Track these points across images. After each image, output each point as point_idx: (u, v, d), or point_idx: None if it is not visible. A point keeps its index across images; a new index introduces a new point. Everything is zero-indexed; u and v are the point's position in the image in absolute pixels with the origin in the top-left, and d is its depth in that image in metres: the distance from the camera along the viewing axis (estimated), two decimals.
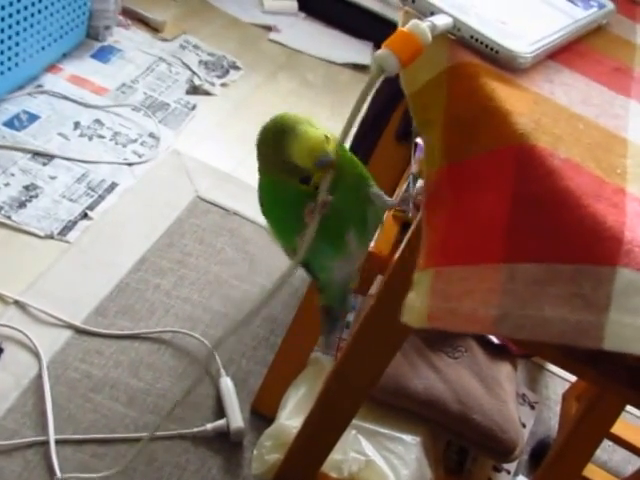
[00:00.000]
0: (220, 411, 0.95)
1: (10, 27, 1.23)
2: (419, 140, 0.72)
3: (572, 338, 0.33)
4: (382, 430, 0.83)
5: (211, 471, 0.90)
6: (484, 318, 0.36)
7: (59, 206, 1.16)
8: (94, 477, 0.83)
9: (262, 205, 0.52)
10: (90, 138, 1.31)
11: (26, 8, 1.25)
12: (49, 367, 0.94)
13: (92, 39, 1.52)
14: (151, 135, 1.37)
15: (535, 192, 0.36)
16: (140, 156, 1.31)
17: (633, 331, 0.32)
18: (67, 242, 1.11)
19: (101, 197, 1.21)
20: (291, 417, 0.83)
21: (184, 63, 1.59)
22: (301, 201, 0.48)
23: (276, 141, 0.46)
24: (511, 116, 0.38)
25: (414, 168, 0.72)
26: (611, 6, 0.53)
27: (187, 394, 0.67)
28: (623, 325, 0.32)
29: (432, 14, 0.44)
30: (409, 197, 0.72)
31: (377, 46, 1.81)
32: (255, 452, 0.84)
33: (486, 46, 0.43)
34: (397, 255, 0.52)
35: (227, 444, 0.93)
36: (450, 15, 0.43)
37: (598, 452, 0.88)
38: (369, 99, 0.78)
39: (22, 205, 1.14)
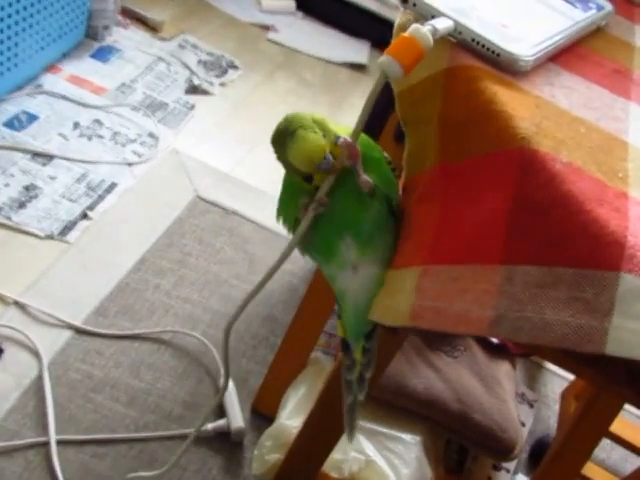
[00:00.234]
0: (220, 411, 0.95)
1: (9, 27, 1.23)
2: None
3: (573, 342, 0.33)
4: (382, 430, 0.83)
5: (212, 471, 0.90)
6: (479, 319, 0.36)
7: (59, 206, 1.16)
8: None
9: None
10: (89, 138, 1.31)
11: (25, 8, 1.25)
12: (50, 368, 0.94)
13: (91, 39, 1.52)
14: (150, 135, 1.37)
15: (537, 196, 0.36)
16: (139, 156, 1.31)
17: (636, 336, 0.32)
18: (67, 242, 1.11)
19: (101, 197, 1.21)
20: (291, 417, 0.84)
21: (183, 63, 1.59)
22: (302, 195, 0.48)
23: (280, 143, 0.46)
24: (513, 120, 0.38)
25: None
26: (610, 7, 0.54)
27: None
28: (626, 330, 0.32)
29: (433, 17, 0.44)
30: None
31: (375, 45, 1.81)
32: (255, 452, 0.84)
33: (487, 49, 0.43)
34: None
35: (227, 444, 0.93)
36: (451, 18, 0.44)
37: (596, 450, 0.89)
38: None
39: (22, 206, 1.14)
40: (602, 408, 0.85)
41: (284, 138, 0.45)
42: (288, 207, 0.51)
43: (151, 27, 1.65)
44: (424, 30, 0.41)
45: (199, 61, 1.61)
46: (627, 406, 1.00)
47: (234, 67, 1.65)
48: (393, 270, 0.45)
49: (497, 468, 0.96)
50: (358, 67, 1.80)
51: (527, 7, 0.50)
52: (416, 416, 0.85)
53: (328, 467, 0.78)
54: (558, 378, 1.19)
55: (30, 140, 1.26)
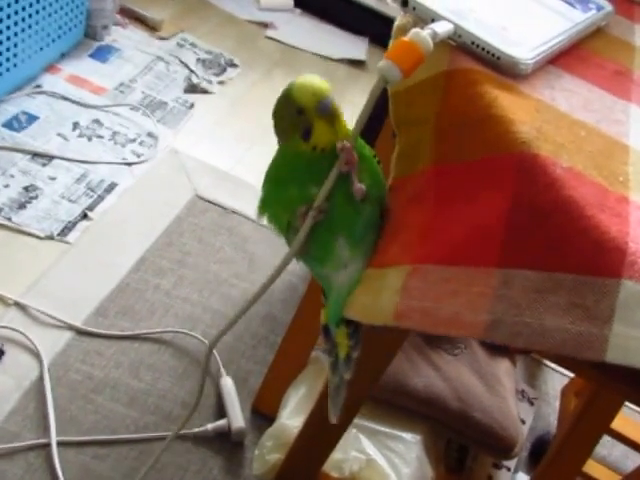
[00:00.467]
0: (221, 411, 0.95)
1: (8, 28, 1.23)
2: None
3: (573, 349, 0.33)
4: (383, 429, 0.83)
5: (212, 471, 0.90)
6: (473, 322, 0.35)
7: (59, 207, 1.16)
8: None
9: (264, 180, 0.51)
10: (89, 138, 1.31)
11: (24, 9, 1.25)
12: (50, 369, 0.94)
13: (90, 39, 1.52)
14: (150, 134, 1.37)
15: (537, 201, 0.36)
16: (139, 156, 1.31)
17: (637, 344, 0.32)
18: (67, 243, 1.11)
19: (100, 197, 1.21)
20: (292, 417, 0.84)
21: (182, 61, 1.58)
22: (298, 164, 0.47)
23: (287, 90, 0.47)
24: (513, 124, 0.38)
25: None
26: (609, 8, 0.53)
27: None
28: (627, 338, 0.32)
29: (433, 20, 0.44)
30: None
31: (373, 41, 1.80)
32: (256, 452, 0.84)
33: (487, 52, 0.43)
34: None
35: (228, 444, 0.93)
36: (451, 21, 0.43)
37: (597, 447, 0.89)
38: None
39: (22, 206, 1.14)
40: (603, 405, 0.85)
41: (290, 85, 0.47)
42: (278, 206, 0.50)
43: (150, 26, 1.65)
44: (424, 34, 0.41)
45: (198, 60, 1.61)
46: (628, 402, 1.00)
47: (233, 65, 1.64)
48: (374, 269, 0.45)
49: (498, 466, 0.96)
50: (357, 63, 1.80)
51: (527, 9, 0.50)
52: (416, 415, 0.85)
53: (329, 467, 0.78)
54: (558, 375, 1.19)
55: (30, 141, 1.26)
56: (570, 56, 0.48)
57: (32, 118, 1.30)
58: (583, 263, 0.34)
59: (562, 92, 0.44)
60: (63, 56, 1.45)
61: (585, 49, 0.50)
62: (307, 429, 0.70)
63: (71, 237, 1.13)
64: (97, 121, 1.35)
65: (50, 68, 1.42)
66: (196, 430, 0.92)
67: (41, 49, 1.35)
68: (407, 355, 0.89)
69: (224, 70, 1.62)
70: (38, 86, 1.37)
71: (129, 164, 1.29)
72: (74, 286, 1.06)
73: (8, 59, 1.26)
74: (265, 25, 1.83)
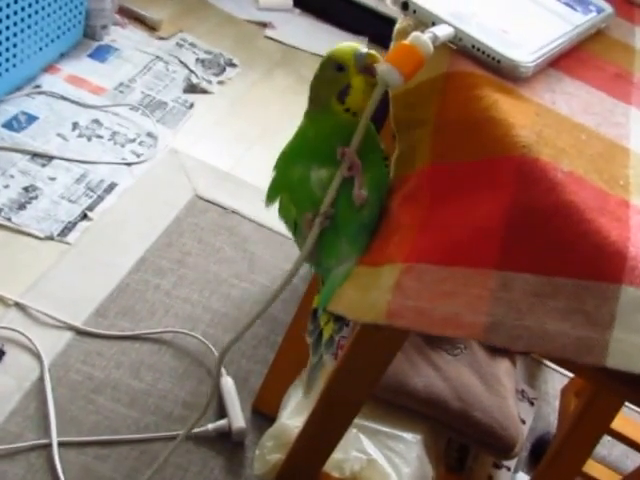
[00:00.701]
0: (221, 411, 0.95)
1: (8, 28, 1.23)
2: None
3: (573, 354, 0.33)
4: (383, 429, 0.83)
5: (213, 471, 0.91)
6: (472, 324, 0.35)
7: (59, 207, 1.16)
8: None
9: (278, 160, 0.51)
10: (89, 138, 1.31)
11: (23, 9, 1.25)
12: (50, 369, 0.94)
13: (89, 38, 1.52)
14: (149, 134, 1.37)
15: (537, 205, 0.36)
16: (138, 156, 1.31)
17: (637, 350, 0.32)
18: (67, 243, 1.12)
19: (100, 197, 1.21)
20: (292, 417, 0.84)
21: (181, 61, 1.58)
22: (325, 129, 0.47)
23: (329, 52, 0.48)
24: (513, 128, 0.38)
25: None
26: (610, 10, 0.53)
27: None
28: (627, 343, 0.32)
29: (433, 24, 0.44)
30: None
31: (372, 41, 1.79)
32: (257, 452, 0.84)
33: (488, 55, 0.43)
34: None
35: (229, 444, 0.93)
36: (451, 25, 0.43)
37: (597, 447, 0.89)
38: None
39: (22, 207, 1.14)
40: (603, 405, 0.85)
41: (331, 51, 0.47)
42: (288, 192, 0.51)
43: (149, 26, 1.65)
44: (424, 38, 0.41)
45: (197, 60, 1.61)
46: (628, 403, 1.00)
47: (232, 65, 1.64)
48: (365, 266, 0.45)
49: (498, 466, 0.96)
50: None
51: (527, 12, 0.50)
52: (417, 415, 0.86)
53: (329, 467, 0.78)
54: (558, 375, 1.19)
55: (29, 141, 1.26)
56: (570, 59, 0.48)
57: (31, 118, 1.30)
58: (583, 268, 0.34)
59: (562, 95, 0.44)
60: (62, 56, 1.45)
61: (585, 51, 0.50)
62: (308, 429, 0.70)
63: (71, 237, 1.13)
64: (96, 121, 1.35)
65: (49, 68, 1.42)
66: (197, 430, 0.92)
67: (40, 49, 1.35)
68: (407, 355, 0.89)
69: (223, 70, 1.62)
70: (37, 86, 1.37)
71: (129, 164, 1.29)
72: (74, 286, 1.06)
73: (7, 59, 1.26)
74: (264, 25, 1.83)
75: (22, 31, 1.27)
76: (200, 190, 1.29)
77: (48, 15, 1.33)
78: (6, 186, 1.16)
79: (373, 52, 0.46)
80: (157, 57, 1.57)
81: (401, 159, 0.47)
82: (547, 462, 0.89)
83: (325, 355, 0.53)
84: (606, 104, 0.44)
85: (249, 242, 1.22)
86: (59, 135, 1.29)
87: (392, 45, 0.47)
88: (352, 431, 0.81)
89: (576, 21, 0.50)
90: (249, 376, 1.02)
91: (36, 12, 1.29)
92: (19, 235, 1.10)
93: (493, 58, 0.43)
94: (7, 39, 1.24)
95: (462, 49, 0.44)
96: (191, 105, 1.48)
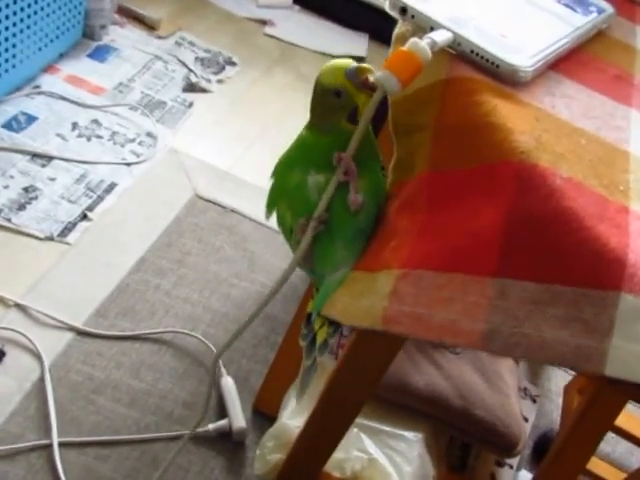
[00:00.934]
0: (222, 411, 0.95)
1: (7, 29, 1.23)
2: None
3: (572, 362, 0.33)
4: (384, 428, 0.83)
5: (214, 472, 0.90)
6: (470, 331, 0.35)
7: (58, 207, 1.16)
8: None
9: (275, 169, 0.51)
10: (88, 139, 1.31)
11: (22, 10, 1.25)
12: (51, 370, 0.94)
13: (88, 38, 1.52)
14: (149, 134, 1.36)
15: (536, 212, 0.35)
16: (138, 156, 1.31)
17: (636, 358, 0.32)
18: (67, 244, 1.11)
19: (100, 198, 1.21)
20: (293, 416, 0.83)
21: (180, 60, 1.58)
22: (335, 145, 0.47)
23: (316, 81, 0.47)
24: (512, 134, 0.37)
25: None
26: (610, 10, 0.53)
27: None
28: (626, 352, 0.32)
29: (432, 29, 0.43)
30: None
31: (373, 37, 1.79)
32: (257, 452, 0.84)
33: (487, 60, 0.43)
34: None
35: (229, 444, 0.93)
36: (450, 30, 0.43)
37: (601, 444, 0.88)
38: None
39: (22, 207, 1.14)
40: (606, 402, 0.84)
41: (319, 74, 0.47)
42: (285, 198, 0.50)
43: (148, 25, 1.64)
44: (422, 44, 0.40)
45: (196, 58, 1.61)
46: (632, 401, 0.99)
47: (231, 63, 1.64)
48: (361, 272, 0.45)
49: (500, 464, 0.95)
50: (356, 60, 1.78)
51: (527, 14, 0.49)
52: (418, 413, 0.85)
53: (330, 466, 0.78)
54: (561, 372, 1.19)
55: (29, 141, 1.26)
56: (570, 61, 0.47)
57: (31, 119, 1.30)
58: (582, 275, 0.33)
59: (562, 99, 0.43)
60: (61, 56, 1.45)
61: (586, 53, 0.49)
62: (308, 429, 0.70)
63: (71, 238, 1.12)
64: (96, 121, 1.35)
65: (49, 68, 1.41)
66: (197, 430, 0.92)
67: (39, 49, 1.35)
68: (409, 354, 0.89)
69: (223, 68, 1.61)
70: (37, 86, 1.37)
71: (128, 164, 1.28)
72: (74, 287, 1.06)
73: (7, 60, 1.26)
74: (264, 22, 1.83)
75: (21, 31, 1.27)
76: (200, 189, 1.28)
77: (47, 15, 1.33)
78: (6, 187, 1.16)
79: (362, 65, 0.45)
80: (156, 56, 1.57)
81: (399, 165, 0.47)
82: (550, 460, 0.89)
83: (319, 359, 0.53)
84: (606, 107, 0.44)
85: (249, 241, 1.22)
86: (59, 135, 1.29)
87: (391, 51, 0.46)
88: (353, 430, 0.81)
89: (576, 23, 0.50)
90: (249, 376, 1.01)
91: (35, 12, 1.29)
92: (19, 236, 1.10)
93: (492, 63, 0.43)
94: (6, 39, 1.24)
95: (461, 54, 0.44)
96: (190, 104, 1.48)
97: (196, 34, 1.68)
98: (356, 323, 0.42)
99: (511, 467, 0.96)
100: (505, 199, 0.36)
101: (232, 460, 0.92)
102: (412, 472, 0.79)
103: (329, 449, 0.70)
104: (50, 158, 1.24)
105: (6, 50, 1.25)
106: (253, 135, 1.44)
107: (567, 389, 1.11)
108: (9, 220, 1.11)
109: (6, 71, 1.27)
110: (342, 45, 1.82)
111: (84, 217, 1.16)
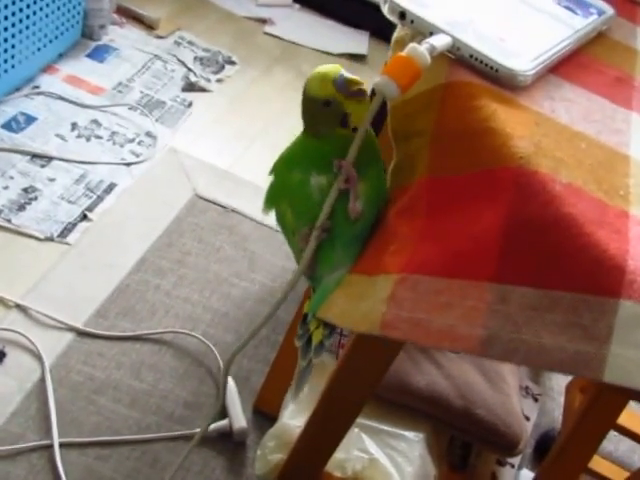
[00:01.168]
0: (222, 411, 0.95)
1: (6, 29, 1.23)
2: None
3: (570, 368, 0.32)
4: (385, 427, 0.83)
5: (215, 472, 0.90)
6: (468, 337, 0.35)
7: (58, 208, 1.16)
8: None
9: (275, 168, 0.51)
10: (88, 139, 1.30)
11: (21, 10, 1.25)
12: (52, 370, 0.94)
13: (87, 38, 1.52)
14: (148, 134, 1.36)
15: (535, 217, 0.35)
16: (138, 156, 1.31)
17: (635, 365, 0.32)
18: (67, 244, 1.11)
19: (100, 198, 1.21)
20: (294, 416, 0.83)
21: (179, 60, 1.58)
22: (333, 150, 0.47)
23: (304, 92, 0.47)
24: (511, 139, 0.37)
25: None
26: (611, 12, 0.52)
27: None
28: (626, 359, 0.32)
29: (431, 34, 0.43)
30: None
31: (374, 35, 1.79)
32: (258, 452, 0.84)
33: (486, 65, 0.43)
34: None
35: (230, 444, 0.93)
36: (449, 34, 0.43)
37: (603, 442, 0.88)
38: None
39: (21, 208, 1.14)
40: (609, 401, 0.84)
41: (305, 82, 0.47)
42: (285, 199, 0.50)
43: (147, 25, 1.64)
44: (421, 49, 0.40)
45: (195, 58, 1.60)
46: (633, 401, 0.99)
47: (231, 62, 1.64)
48: (358, 275, 0.45)
49: (502, 463, 0.95)
50: (358, 58, 1.79)
51: (526, 17, 0.49)
52: (419, 413, 0.85)
53: (331, 466, 0.77)
54: None
55: (28, 142, 1.25)
56: (570, 63, 0.47)
57: (30, 119, 1.30)
58: (581, 281, 0.33)
59: (562, 102, 0.43)
60: (61, 56, 1.45)
61: (586, 55, 0.49)
62: (309, 429, 0.70)
63: (71, 238, 1.12)
64: (95, 121, 1.35)
65: (48, 69, 1.41)
66: (198, 430, 0.92)
67: (39, 50, 1.35)
68: (409, 353, 0.88)
69: (222, 68, 1.61)
70: (36, 87, 1.36)
71: (128, 164, 1.28)
72: (74, 287, 1.05)
73: (6, 60, 1.26)
74: (263, 21, 1.82)
75: (20, 32, 1.27)
76: (200, 189, 1.28)
77: (46, 15, 1.33)
78: (6, 187, 1.16)
79: (352, 78, 0.45)
80: (155, 56, 1.56)
81: (398, 169, 0.47)
82: (552, 458, 0.89)
83: (315, 359, 0.53)
84: (607, 110, 0.44)
85: (249, 241, 1.22)
86: (58, 136, 1.29)
87: (390, 55, 0.46)
88: (354, 430, 0.81)
89: (577, 25, 0.49)
90: (250, 376, 1.01)
91: (34, 13, 1.29)
92: (19, 236, 1.10)
93: (491, 67, 0.43)
94: (5, 40, 1.24)
95: (460, 58, 0.43)
96: (190, 104, 1.47)
97: (195, 33, 1.68)
98: (354, 327, 0.42)
99: (512, 466, 0.96)
100: (504, 205, 0.36)
101: (233, 460, 0.92)
102: (413, 472, 0.79)
103: (330, 449, 0.70)
104: (50, 158, 1.24)
105: (5, 50, 1.25)
106: (253, 134, 1.44)
107: (569, 388, 1.11)
108: (9, 221, 1.11)
109: (5, 71, 1.27)
110: (342, 43, 1.82)
111: (84, 217, 1.16)
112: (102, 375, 0.96)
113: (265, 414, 0.95)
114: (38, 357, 0.95)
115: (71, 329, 1.00)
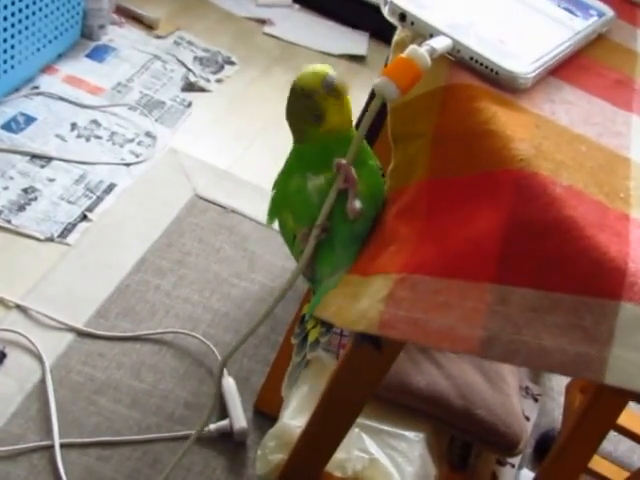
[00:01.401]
0: (223, 411, 0.95)
1: (5, 30, 1.23)
2: None
3: (571, 369, 0.32)
4: (385, 427, 0.83)
5: (215, 472, 0.90)
6: (468, 338, 0.35)
7: (58, 208, 1.16)
8: None
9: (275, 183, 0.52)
10: (87, 139, 1.30)
11: (21, 10, 1.25)
12: (52, 371, 0.94)
13: (87, 39, 1.52)
14: (148, 134, 1.36)
15: (536, 219, 0.35)
16: (137, 156, 1.31)
17: (636, 368, 0.32)
18: (67, 244, 1.11)
19: (100, 198, 1.21)
20: (294, 416, 0.83)
21: (179, 60, 1.58)
22: (312, 154, 0.48)
23: (292, 83, 0.47)
24: (512, 141, 0.37)
25: None
26: (611, 14, 0.52)
27: None
28: (626, 361, 0.32)
29: (431, 36, 0.43)
30: None
31: (374, 36, 1.79)
32: (259, 452, 0.84)
33: (486, 67, 0.43)
34: None
35: (231, 444, 0.93)
36: (449, 37, 0.43)
37: (603, 442, 0.88)
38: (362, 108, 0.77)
39: (21, 208, 1.14)
40: (609, 401, 0.84)
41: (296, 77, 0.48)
42: (286, 207, 0.50)
43: (146, 25, 1.64)
44: (421, 51, 0.40)
45: (195, 58, 1.60)
46: (632, 402, 0.99)
47: (230, 63, 1.64)
48: (356, 275, 0.45)
49: (502, 463, 0.95)
50: (357, 59, 1.79)
51: (526, 19, 0.49)
52: (419, 413, 0.85)
53: (331, 466, 0.77)
54: None
55: (28, 142, 1.25)
56: (570, 65, 0.47)
57: (30, 119, 1.30)
58: (582, 284, 0.33)
59: (562, 105, 0.43)
60: (60, 57, 1.45)
61: (586, 57, 0.49)
62: (310, 429, 0.70)
63: (71, 239, 1.12)
64: (95, 121, 1.35)
65: (47, 69, 1.41)
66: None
67: (38, 50, 1.35)
68: (409, 353, 0.88)
69: (222, 68, 1.61)
70: (35, 87, 1.36)
71: (127, 164, 1.28)
72: (75, 288, 1.05)
73: (5, 61, 1.26)
74: (263, 22, 1.82)
75: (20, 32, 1.27)
76: (199, 189, 1.28)
77: (45, 16, 1.33)
78: (5, 188, 1.16)
79: (342, 85, 0.46)
80: (155, 56, 1.56)
81: (397, 171, 0.47)
82: (552, 458, 0.89)
83: (309, 355, 0.53)
84: (607, 113, 0.44)
85: (249, 241, 1.22)
86: (58, 136, 1.29)
87: (390, 57, 0.46)
88: (354, 430, 0.81)
89: (577, 27, 0.49)
90: (250, 376, 1.01)
91: (33, 13, 1.29)
92: (19, 237, 1.10)
93: (491, 70, 0.43)
94: (5, 40, 1.24)
95: (460, 61, 0.43)
96: (189, 104, 1.47)
97: (195, 33, 1.68)
98: (351, 326, 0.42)
99: (513, 466, 0.96)
100: (505, 207, 0.36)
101: (233, 460, 0.92)
102: (413, 472, 0.79)
103: (330, 449, 0.70)
104: (49, 159, 1.24)
105: (4, 51, 1.25)
106: (252, 134, 1.44)
107: (569, 388, 1.11)
108: (9, 221, 1.11)
109: (4, 72, 1.27)
110: (342, 44, 1.82)
111: (84, 218, 1.16)
112: (102, 375, 0.96)
113: (265, 414, 0.95)
114: (38, 358, 0.95)
115: (71, 329, 1.00)
